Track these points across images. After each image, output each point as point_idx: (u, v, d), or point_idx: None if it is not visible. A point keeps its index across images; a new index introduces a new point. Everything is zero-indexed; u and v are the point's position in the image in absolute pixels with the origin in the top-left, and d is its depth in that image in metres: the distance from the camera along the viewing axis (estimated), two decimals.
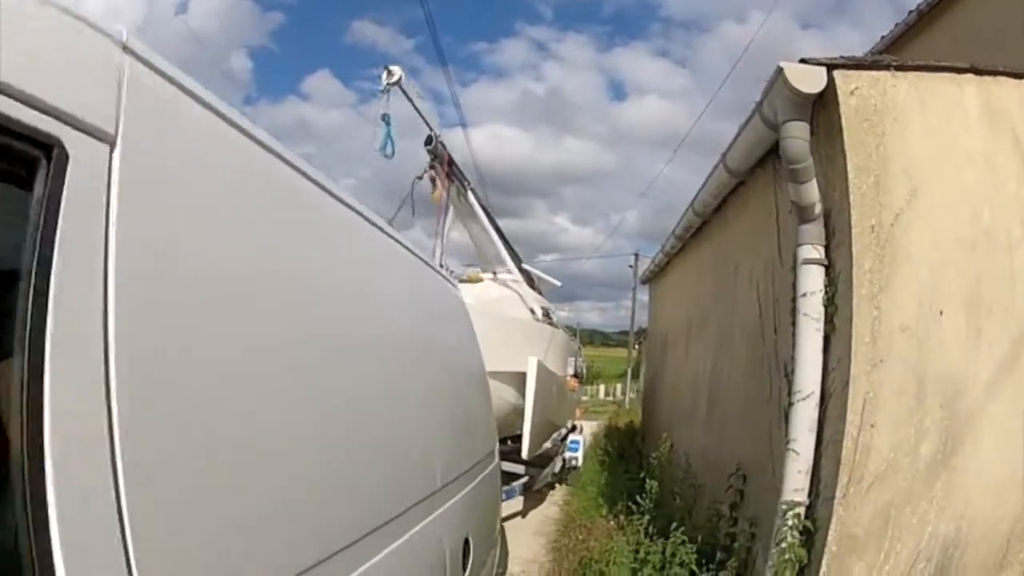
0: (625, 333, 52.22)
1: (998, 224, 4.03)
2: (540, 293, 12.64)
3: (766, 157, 4.95)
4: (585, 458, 12.92)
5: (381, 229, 2.78)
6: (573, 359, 13.71)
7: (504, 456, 9.50)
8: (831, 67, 3.93)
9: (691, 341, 8.91)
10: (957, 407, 3.87)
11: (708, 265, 7.85)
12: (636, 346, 41.39)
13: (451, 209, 11.14)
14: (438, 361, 3.46)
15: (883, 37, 9.78)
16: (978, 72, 4.22)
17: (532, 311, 10.84)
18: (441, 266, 10.90)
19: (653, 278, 13.96)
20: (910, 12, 9.04)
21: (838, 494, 3.74)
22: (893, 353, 3.81)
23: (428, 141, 9.96)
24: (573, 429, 13.74)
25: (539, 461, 10.69)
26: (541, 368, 9.13)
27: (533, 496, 10.78)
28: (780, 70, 3.91)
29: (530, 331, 10.30)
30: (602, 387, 57.75)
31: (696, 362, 8.27)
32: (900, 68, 4.07)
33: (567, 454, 12.19)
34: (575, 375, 13.99)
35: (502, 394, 8.32)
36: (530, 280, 12.39)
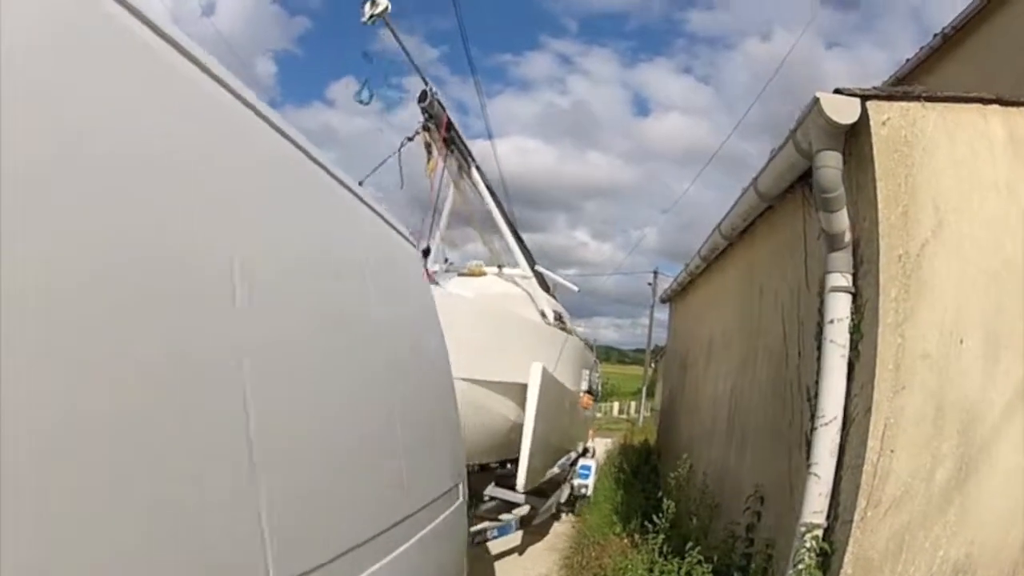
0: (641, 350, 52.20)
1: (1019, 252, 4.08)
2: (555, 298, 11.37)
3: (795, 182, 5.00)
4: (597, 484, 10.95)
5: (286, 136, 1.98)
6: (588, 373, 12.00)
7: (500, 482, 8.42)
8: (864, 98, 4.00)
9: (712, 361, 8.92)
10: (973, 434, 3.93)
11: (733, 286, 7.88)
12: (652, 364, 41.20)
13: (451, 190, 9.62)
14: (373, 357, 2.43)
15: (908, 60, 9.82)
16: (1003, 103, 4.28)
17: (543, 314, 9.38)
18: (445, 260, 10.11)
19: (675, 297, 13.97)
20: (935, 35, 9.08)
21: (856, 517, 3.79)
22: (915, 380, 3.87)
23: (422, 97, 8.11)
24: (585, 452, 12.11)
25: (544, 487, 9.40)
26: (547, 378, 7.70)
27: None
28: (816, 100, 3.96)
29: (539, 335, 8.78)
30: (616, 404, 57.50)
31: (716, 382, 8.28)
32: (929, 99, 4.13)
33: (576, 481, 10.30)
34: (589, 391, 12.25)
35: (500, 408, 7.25)
36: (544, 284, 10.95)
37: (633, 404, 51.88)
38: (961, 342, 3.95)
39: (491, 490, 8.29)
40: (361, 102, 7.83)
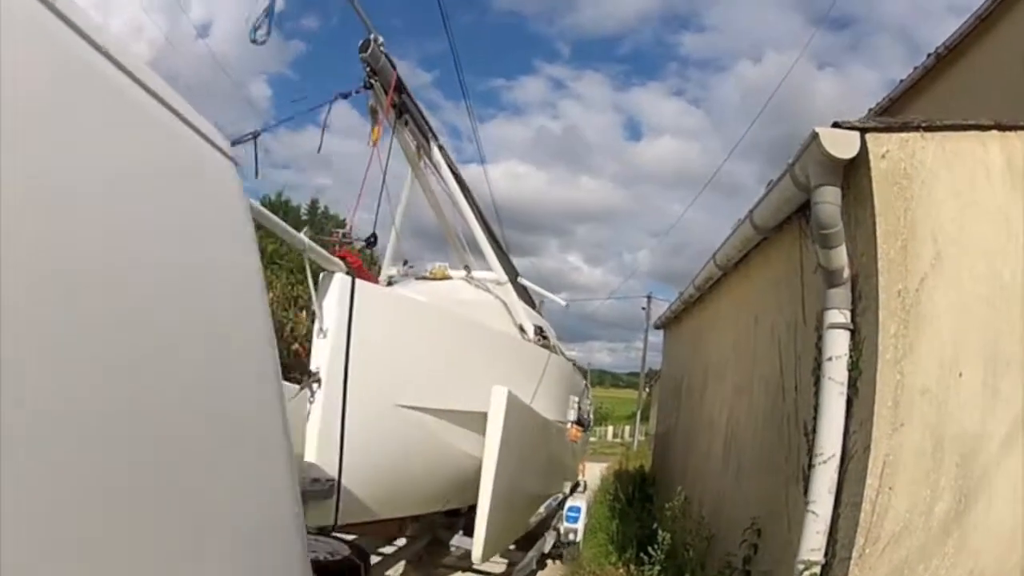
0: (635, 374, 51.89)
1: (1017, 281, 4.05)
2: (540, 314, 9.75)
3: (792, 215, 4.98)
4: (592, 512, 9.60)
5: None
6: (577, 400, 9.68)
7: (470, 529, 6.54)
8: (863, 131, 3.96)
9: (707, 390, 8.88)
10: (972, 465, 3.89)
11: (728, 316, 7.86)
12: (647, 388, 41.12)
13: (409, 173, 7.61)
14: (114, 335, 1.10)
15: (902, 81, 9.87)
16: (1002, 128, 4.25)
17: (521, 328, 7.39)
18: (404, 263, 8.37)
19: (669, 324, 13.97)
20: (928, 55, 9.15)
21: (855, 554, 3.75)
22: (914, 416, 3.83)
23: (363, 47, 6.02)
24: (576, 487, 10.33)
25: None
26: (516, 406, 5.57)
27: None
28: (815, 135, 3.93)
29: (516, 353, 7.01)
30: (610, 428, 57.40)
31: (712, 412, 8.23)
32: (928, 128, 4.09)
33: (563, 525, 8.44)
34: (578, 422, 9.81)
35: (462, 444, 5.41)
36: (529, 299, 9.43)
37: (627, 428, 51.76)
38: (960, 375, 3.91)
39: (457, 540, 7.03)
40: (255, 42, 5.98)
